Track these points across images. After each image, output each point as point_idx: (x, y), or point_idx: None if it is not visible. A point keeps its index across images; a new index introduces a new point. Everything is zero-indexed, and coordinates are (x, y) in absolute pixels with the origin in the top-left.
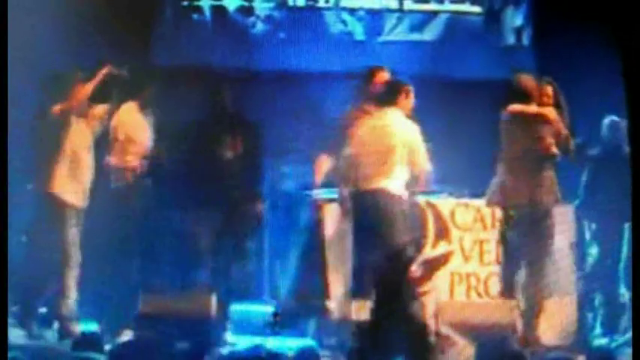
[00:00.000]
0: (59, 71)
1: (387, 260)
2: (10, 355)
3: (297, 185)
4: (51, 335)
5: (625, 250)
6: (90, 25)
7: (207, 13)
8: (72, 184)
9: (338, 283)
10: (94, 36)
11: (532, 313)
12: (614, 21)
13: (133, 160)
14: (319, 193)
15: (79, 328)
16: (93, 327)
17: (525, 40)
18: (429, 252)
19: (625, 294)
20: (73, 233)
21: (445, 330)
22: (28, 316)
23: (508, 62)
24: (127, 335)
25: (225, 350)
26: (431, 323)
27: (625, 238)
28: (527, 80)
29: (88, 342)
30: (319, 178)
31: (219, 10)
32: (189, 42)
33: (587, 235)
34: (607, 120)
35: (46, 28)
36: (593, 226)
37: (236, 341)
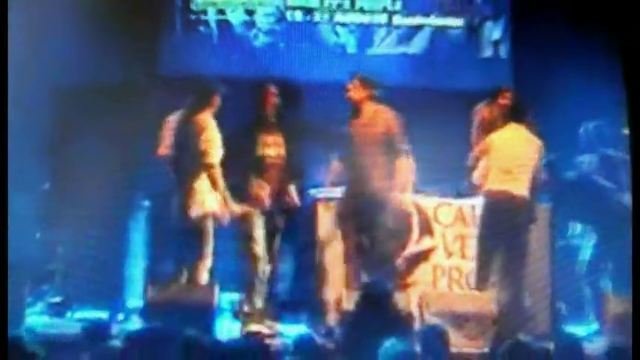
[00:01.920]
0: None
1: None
2: (25, 341)
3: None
4: (64, 323)
5: (591, 250)
6: (101, 37)
7: (214, 26)
8: (212, 193)
9: (332, 275)
10: (106, 47)
11: (509, 304)
12: (602, 29)
13: None
14: (317, 192)
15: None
16: (104, 315)
17: (503, 53)
18: (414, 247)
19: (588, 288)
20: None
21: (429, 318)
22: None
23: (487, 74)
24: (136, 323)
25: (225, 337)
26: (415, 312)
27: (593, 239)
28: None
29: (100, 329)
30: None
31: (224, 24)
32: (195, 53)
33: (560, 234)
34: (583, 127)
35: (59, 39)
36: (565, 225)
37: (235, 328)
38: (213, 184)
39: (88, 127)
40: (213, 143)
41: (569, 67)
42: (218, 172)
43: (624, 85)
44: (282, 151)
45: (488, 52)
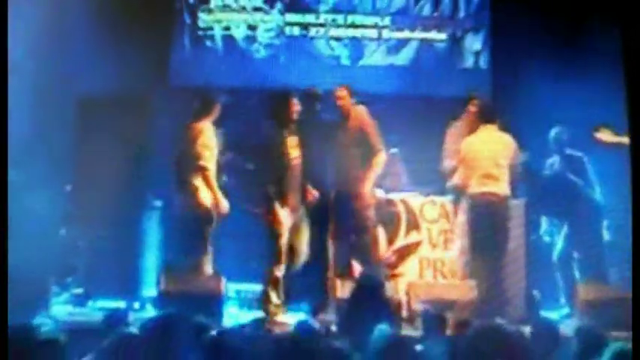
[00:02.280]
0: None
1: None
2: (51, 327)
3: None
4: (86, 312)
5: (562, 241)
6: (118, 51)
7: (219, 41)
8: (206, 191)
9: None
10: (122, 60)
11: (490, 292)
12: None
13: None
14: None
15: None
16: (121, 304)
17: (483, 63)
18: (402, 241)
19: (560, 277)
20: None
21: (415, 305)
22: None
23: (468, 83)
24: (150, 311)
25: (231, 323)
26: (403, 300)
27: (564, 231)
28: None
29: (119, 317)
30: None
31: (228, 39)
32: (203, 65)
33: (535, 227)
34: (554, 130)
35: (81, 56)
36: (539, 219)
37: (240, 315)
38: (208, 184)
39: (106, 135)
40: (208, 148)
41: (542, 74)
42: (211, 173)
43: (625, 86)
44: (299, 151)
45: (469, 63)
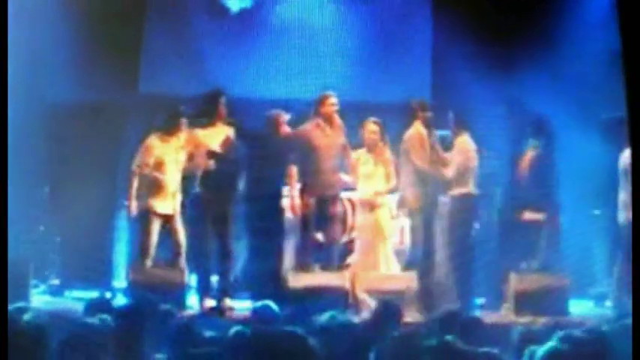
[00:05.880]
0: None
1: None
2: (31, 316)
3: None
4: (62, 301)
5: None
6: (87, 61)
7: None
8: (160, 195)
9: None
10: (91, 69)
11: (433, 282)
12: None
13: None
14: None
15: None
16: (94, 294)
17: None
18: (348, 235)
19: (496, 267)
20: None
21: (360, 295)
22: None
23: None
24: (121, 300)
25: (194, 310)
26: (350, 289)
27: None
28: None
29: (92, 305)
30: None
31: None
32: (171, 75)
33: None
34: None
35: (57, 69)
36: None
37: (203, 303)
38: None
39: (80, 140)
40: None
41: (477, 78)
42: (133, 177)
43: (625, 84)
44: None
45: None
